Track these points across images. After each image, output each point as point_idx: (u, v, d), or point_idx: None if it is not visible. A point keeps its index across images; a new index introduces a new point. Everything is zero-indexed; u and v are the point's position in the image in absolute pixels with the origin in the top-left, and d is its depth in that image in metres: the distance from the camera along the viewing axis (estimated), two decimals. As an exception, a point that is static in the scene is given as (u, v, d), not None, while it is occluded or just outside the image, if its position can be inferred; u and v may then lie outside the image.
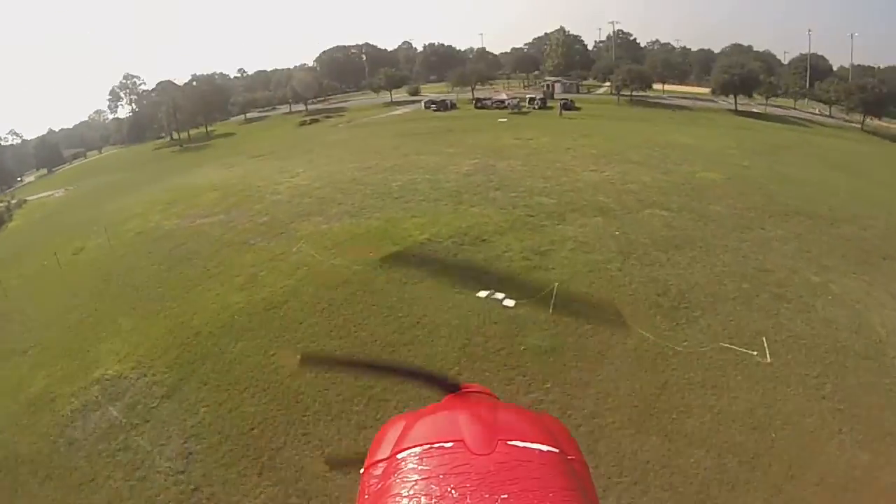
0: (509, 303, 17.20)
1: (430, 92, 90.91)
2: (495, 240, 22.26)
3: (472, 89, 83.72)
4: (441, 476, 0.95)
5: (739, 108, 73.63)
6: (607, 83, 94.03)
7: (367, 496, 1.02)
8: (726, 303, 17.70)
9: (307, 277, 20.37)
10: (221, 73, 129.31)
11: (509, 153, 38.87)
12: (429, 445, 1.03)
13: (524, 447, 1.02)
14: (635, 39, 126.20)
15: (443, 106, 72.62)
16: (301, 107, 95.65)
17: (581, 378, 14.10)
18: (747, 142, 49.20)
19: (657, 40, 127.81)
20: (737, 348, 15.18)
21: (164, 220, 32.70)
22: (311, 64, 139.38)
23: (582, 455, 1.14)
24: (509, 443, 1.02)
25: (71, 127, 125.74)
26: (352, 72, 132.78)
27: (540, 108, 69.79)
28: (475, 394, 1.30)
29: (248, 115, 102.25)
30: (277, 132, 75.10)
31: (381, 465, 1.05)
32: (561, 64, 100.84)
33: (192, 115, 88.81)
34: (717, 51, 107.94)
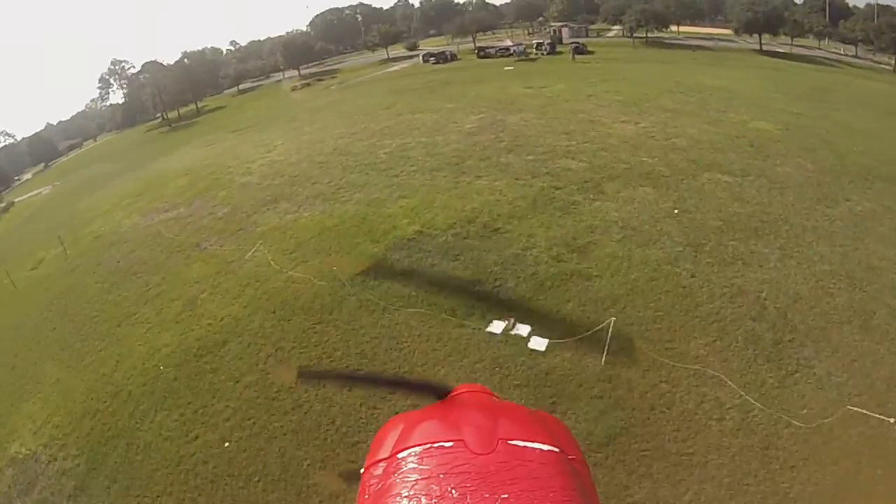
0: (538, 344, 11.04)
1: (430, 47, 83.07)
2: (512, 228, 16.04)
3: (474, 39, 75.87)
4: (441, 475, 0.92)
5: (763, 48, 66.16)
6: (617, 26, 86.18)
7: (367, 496, 0.98)
8: (840, 328, 11.72)
9: (255, 301, 14.50)
10: (213, 48, 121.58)
11: (520, 104, 32.19)
12: (429, 445, 0.99)
13: (524, 447, 0.99)
14: None
15: (442, 58, 65.15)
16: (295, 73, 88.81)
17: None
18: (786, 84, 41.92)
19: None
20: (870, 413, 9.26)
21: (126, 218, 27.18)
22: (304, 29, 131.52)
23: (582, 455, 1.09)
24: (509, 442, 0.99)
25: (68, 119, 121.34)
26: (347, 33, 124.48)
27: (548, 53, 62.17)
28: (475, 393, 1.22)
29: (241, 87, 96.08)
30: (267, 101, 68.45)
31: (381, 464, 1.01)
32: (566, 8, 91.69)
33: (179, 93, 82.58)
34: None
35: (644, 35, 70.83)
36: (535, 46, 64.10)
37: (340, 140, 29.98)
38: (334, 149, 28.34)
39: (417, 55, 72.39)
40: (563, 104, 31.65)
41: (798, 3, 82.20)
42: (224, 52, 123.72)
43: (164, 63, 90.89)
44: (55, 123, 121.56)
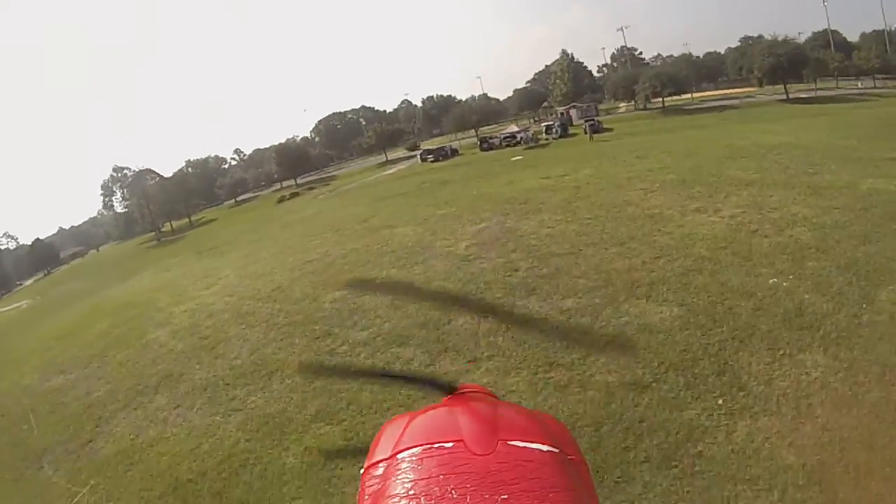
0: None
1: (434, 145, 77.50)
2: None
3: (476, 131, 69.27)
4: (441, 476, 0.92)
5: (788, 96, 60.37)
6: (624, 102, 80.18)
7: (367, 496, 0.97)
8: None
9: None
10: (216, 156, 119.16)
11: (538, 201, 22.80)
12: (429, 445, 0.98)
13: (524, 447, 0.98)
14: (641, 54, 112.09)
15: (441, 154, 57.78)
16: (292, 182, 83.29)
17: None
18: (848, 128, 33.32)
19: (659, 54, 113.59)
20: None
21: (24, 376, 19.39)
22: (307, 135, 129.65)
23: (582, 455, 1.08)
24: (509, 443, 0.98)
25: (79, 224, 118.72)
26: (351, 137, 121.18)
27: (560, 136, 54.36)
28: (475, 393, 1.22)
29: (240, 198, 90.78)
30: (254, 214, 61.53)
31: (380, 465, 1.00)
32: (570, 91, 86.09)
33: (169, 204, 76.91)
34: (723, 51, 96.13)
35: (661, 103, 63.81)
36: (544, 130, 56.58)
37: (289, 274, 20.79)
38: (273, 290, 19.00)
39: (417, 155, 65.73)
40: (596, 195, 22.16)
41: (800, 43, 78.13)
42: (228, 160, 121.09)
43: (159, 173, 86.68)
44: (67, 228, 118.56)
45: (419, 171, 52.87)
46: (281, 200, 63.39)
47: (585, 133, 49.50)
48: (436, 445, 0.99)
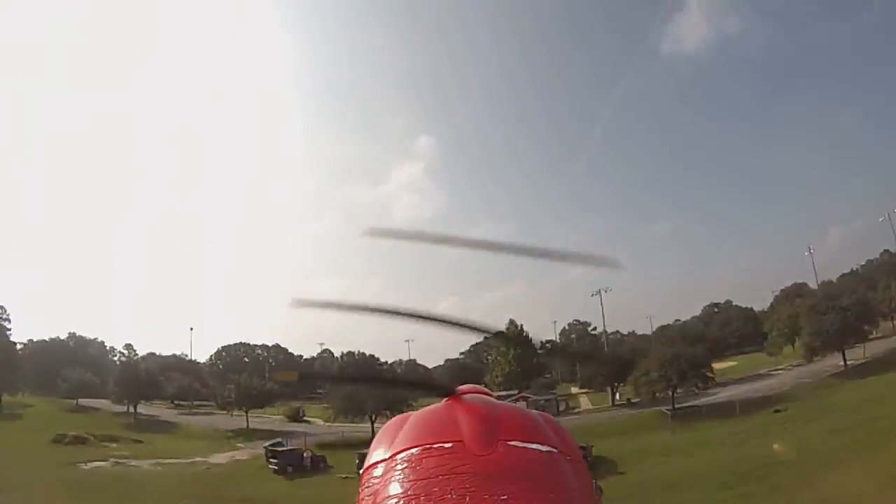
0: None
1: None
2: None
3: (372, 419, 46.54)
4: (441, 476, 0.89)
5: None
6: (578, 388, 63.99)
7: (366, 497, 0.95)
8: None
9: None
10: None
11: None
12: (428, 446, 0.95)
13: (524, 447, 0.95)
14: (594, 329, 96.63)
15: (293, 461, 33.92)
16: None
17: None
18: None
19: (617, 331, 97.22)
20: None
21: None
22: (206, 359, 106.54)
23: (581, 455, 1.04)
24: (509, 443, 0.95)
25: None
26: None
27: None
28: (475, 394, 1.13)
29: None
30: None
31: (379, 465, 0.97)
32: (514, 372, 66.36)
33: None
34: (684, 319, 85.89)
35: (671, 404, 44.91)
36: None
37: None
38: None
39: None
40: None
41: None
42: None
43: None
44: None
45: (243, 474, 28.85)
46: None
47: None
48: (435, 446, 0.94)
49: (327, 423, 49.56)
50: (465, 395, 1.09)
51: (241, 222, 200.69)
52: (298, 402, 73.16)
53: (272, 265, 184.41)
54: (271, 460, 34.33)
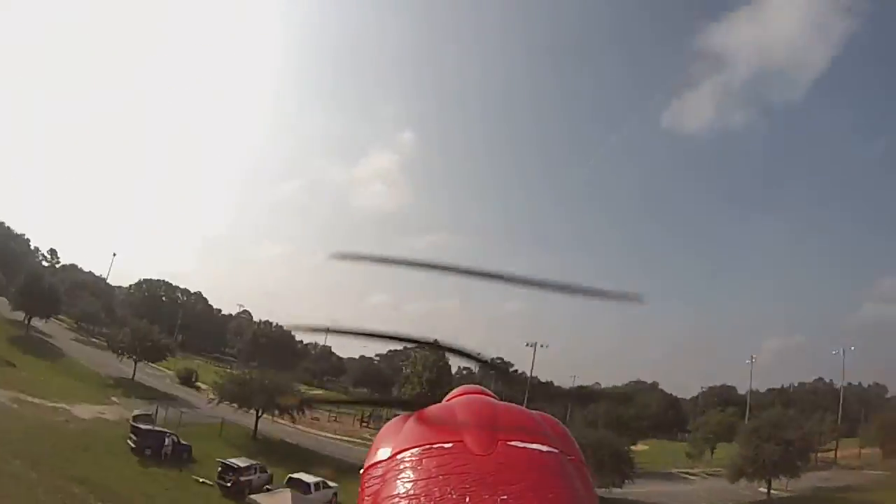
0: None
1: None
2: None
3: (257, 415, 45.66)
4: (441, 477, 0.89)
5: None
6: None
7: (366, 497, 0.94)
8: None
9: None
10: None
11: None
12: (429, 446, 0.95)
13: (524, 447, 0.94)
14: (515, 370, 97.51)
15: (154, 443, 33.44)
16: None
17: None
18: None
19: (536, 377, 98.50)
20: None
21: None
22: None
23: (581, 456, 1.03)
24: (509, 443, 0.94)
25: None
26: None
27: None
28: (474, 394, 1.13)
29: None
30: None
31: (380, 465, 0.96)
32: (426, 389, 63.38)
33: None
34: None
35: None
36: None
37: None
38: None
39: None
40: None
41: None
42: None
43: None
44: None
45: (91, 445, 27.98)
46: None
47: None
48: (435, 446, 0.94)
49: (210, 402, 47.48)
50: (465, 396, 1.13)
51: (202, 157, 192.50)
52: (200, 359, 70.64)
53: (219, 215, 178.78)
54: (131, 436, 33.58)
